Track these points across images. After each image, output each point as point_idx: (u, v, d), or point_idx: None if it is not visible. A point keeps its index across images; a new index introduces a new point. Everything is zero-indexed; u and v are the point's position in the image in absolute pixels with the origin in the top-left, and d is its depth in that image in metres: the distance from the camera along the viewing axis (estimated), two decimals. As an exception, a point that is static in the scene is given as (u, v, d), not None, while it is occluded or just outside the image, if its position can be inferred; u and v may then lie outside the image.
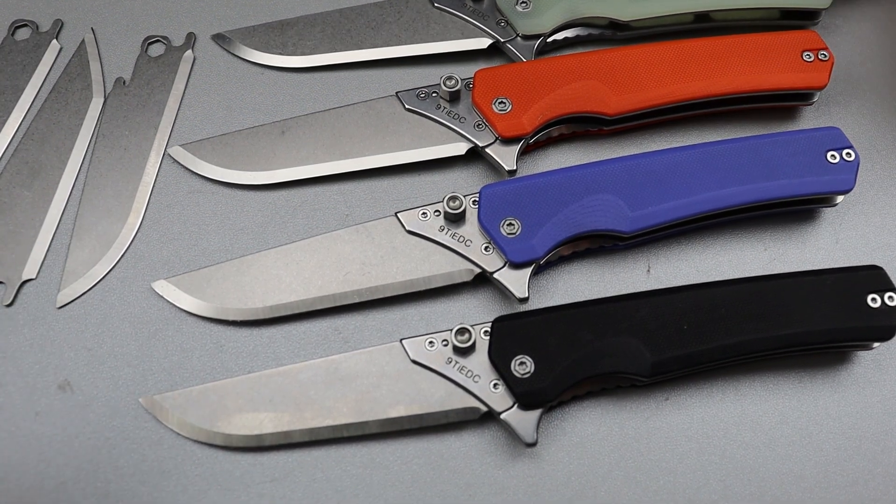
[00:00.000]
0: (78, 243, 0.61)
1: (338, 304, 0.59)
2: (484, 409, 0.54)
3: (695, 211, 0.59)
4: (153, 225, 0.62)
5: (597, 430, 0.56)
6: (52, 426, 0.56)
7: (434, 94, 0.64)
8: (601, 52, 0.65)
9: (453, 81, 0.63)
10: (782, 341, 0.55)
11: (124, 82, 0.67)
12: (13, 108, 0.66)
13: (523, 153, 0.63)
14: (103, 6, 0.71)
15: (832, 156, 0.60)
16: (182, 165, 0.64)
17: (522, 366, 0.54)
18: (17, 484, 0.54)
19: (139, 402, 0.56)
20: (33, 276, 0.60)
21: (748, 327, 0.55)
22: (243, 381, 0.56)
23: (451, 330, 0.55)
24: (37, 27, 0.70)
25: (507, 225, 0.58)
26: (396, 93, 0.65)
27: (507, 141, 0.62)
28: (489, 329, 0.55)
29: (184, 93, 0.67)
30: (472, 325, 0.55)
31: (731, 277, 0.58)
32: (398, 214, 0.60)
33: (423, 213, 0.60)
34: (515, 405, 0.54)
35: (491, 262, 0.58)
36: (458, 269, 0.59)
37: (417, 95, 0.65)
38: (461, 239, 0.59)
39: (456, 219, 0.59)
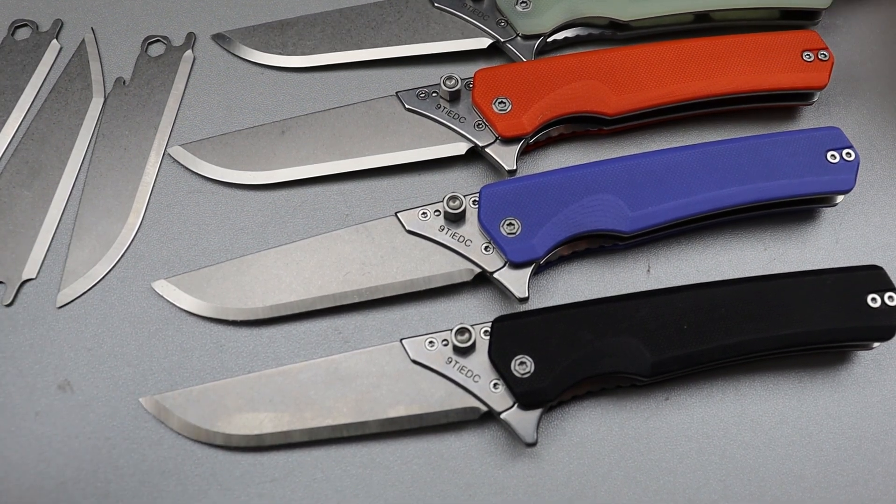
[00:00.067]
0: (78, 243, 0.61)
1: (338, 304, 0.59)
2: (484, 409, 0.54)
3: (695, 211, 0.59)
4: (153, 225, 0.62)
5: (597, 430, 0.56)
6: (52, 426, 0.56)
7: (434, 94, 0.64)
8: (601, 52, 0.65)
9: (453, 81, 0.63)
10: (782, 341, 0.55)
11: (124, 82, 0.67)
12: (13, 108, 0.66)
13: (523, 153, 0.63)
14: (103, 6, 0.71)
15: (832, 156, 0.60)
16: (182, 165, 0.64)
17: (522, 366, 0.54)
18: (17, 484, 0.54)
19: (139, 402, 0.56)
20: (33, 276, 0.60)
21: (748, 327, 0.55)
22: (243, 381, 0.56)
23: (451, 330, 0.55)
24: (37, 27, 0.70)
25: (507, 225, 0.58)
26: (396, 93, 0.65)
27: (507, 141, 0.62)
28: (489, 329, 0.55)
29: (184, 93, 0.67)
30: (472, 325, 0.55)
31: (731, 277, 0.58)
32: (398, 214, 0.60)
33: (423, 213, 0.60)
34: (515, 405, 0.54)
35: (491, 261, 0.58)
36: (458, 269, 0.59)
37: (417, 95, 0.65)
38: (461, 239, 0.59)
39: (456, 219, 0.59)
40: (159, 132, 0.65)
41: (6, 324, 0.59)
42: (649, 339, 0.54)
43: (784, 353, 0.57)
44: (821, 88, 0.64)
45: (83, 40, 0.69)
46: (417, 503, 0.55)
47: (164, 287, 0.60)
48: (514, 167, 0.62)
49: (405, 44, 0.68)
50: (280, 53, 0.68)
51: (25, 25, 0.70)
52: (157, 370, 0.58)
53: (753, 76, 0.63)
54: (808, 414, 0.57)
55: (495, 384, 0.54)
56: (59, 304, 0.59)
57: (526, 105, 0.62)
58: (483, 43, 0.68)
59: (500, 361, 0.54)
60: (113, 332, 0.59)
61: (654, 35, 0.69)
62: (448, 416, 0.55)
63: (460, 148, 0.63)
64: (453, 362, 0.55)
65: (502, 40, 0.67)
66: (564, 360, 0.54)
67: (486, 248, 0.58)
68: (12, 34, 0.69)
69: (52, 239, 0.62)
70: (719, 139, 0.63)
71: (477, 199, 0.59)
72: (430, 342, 0.55)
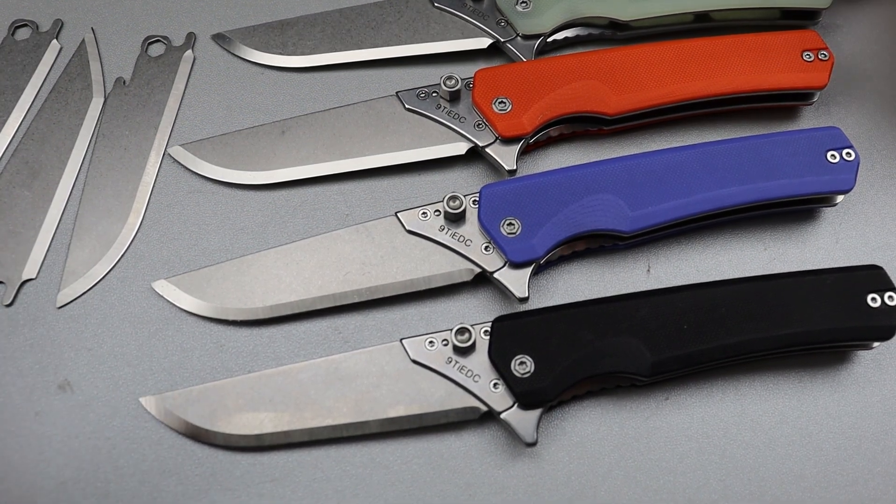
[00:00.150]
0: (78, 243, 0.61)
1: (338, 303, 0.59)
2: (484, 408, 0.54)
3: (695, 211, 0.59)
4: (153, 225, 0.62)
5: (597, 430, 0.56)
6: (52, 426, 0.56)
7: (434, 94, 0.64)
8: (601, 52, 0.65)
9: (453, 81, 0.63)
10: (782, 341, 0.55)
11: (124, 82, 0.67)
12: (13, 108, 0.66)
13: (523, 153, 0.63)
14: (103, 6, 0.71)
15: (832, 155, 0.60)
16: (182, 165, 0.64)
17: (522, 365, 0.54)
18: (17, 484, 0.54)
19: (139, 402, 0.56)
20: (33, 276, 0.60)
21: (748, 327, 0.55)
22: (243, 381, 0.56)
23: (451, 330, 0.55)
24: (37, 27, 0.70)
25: (508, 225, 0.58)
26: (396, 93, 0.65)
27: (508, 141, 0.62)
28: (489, 329, 0.55)
29: (184, 93, 0.67)
30: (472, 325, 0.55)
31: (731, 277, 0.58)
32: (398, 214, 0.60)
33: (424, 213, 0.60)
34: (515, 405, 0.54)
35: (491, 261, 0.58)
36: (458, 269, 0.59)
37: (417, 95, 0.65)
38: (461, 239, 0.59)
39: (456, 218, 0.59)
40: (159, 132, 0.65)
41: (6, 324, 0.59)
42: (649, 339, 0.54)
43: (784, 353, 0.57)
44: (821, 88, 0.64)
45: (83, 40, 0.69)
46: (417, 503, 0.55)
47: (164, 287, 0.60)
48: (514, 167, 0.62)
49: (405, 44, 0.68)
50: (280, 53, 0.68)
51: (25, 25, 0.70)
52: (157, 370, 0.58)
53: (753, 76, 0.63)
54: (808, 414, 0.57)
55: (495, 384, 0.54)
56: (59, 304, 0.59)
57: (526, 105, 0.62)
58: (483, 43, 0.68)
59: (500, 361, 0.54)
60: (113, 332, 0.59)
61: (654, 35, 0.69)
62: (448, 416, 0.55)
63: (460, 148, 0.63)
64: (453, 362, 0.55)
65: (502, 40, 0.67)
66: (564, 360, 0.54)
67: (486, 247, 0.58)
68: (12, 34, 0.69)
69: (52, 239, 0.62)
70: (719, 139, 0.63)
71: (477, 198, 0.59)
72: (430, 342, 0.55)
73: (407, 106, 0.64)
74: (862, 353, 0.59)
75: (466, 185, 0.64)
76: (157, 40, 0.69)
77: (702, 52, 0.64)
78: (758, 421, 0.57)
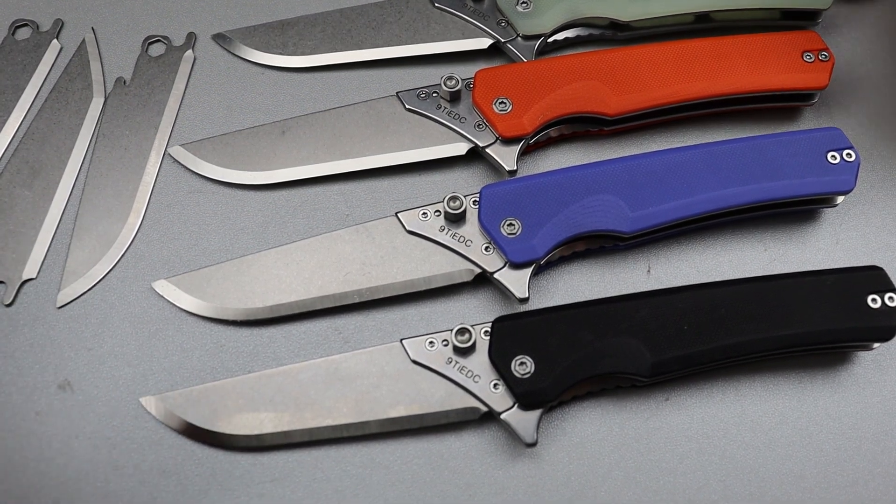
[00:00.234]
0: (78, 243, 0.61)
1: (338, 304, 0.59)
2: (484, 409, 0.54)
3: (695, 211, 0.59)
4: (153, 225, 0.62)
5: (597, 430, 0.56)
6: (52, 426, 0.56)
7: (434, 94, 0.64)
8: (602, 53, 0.65)
9: (454, 81, 0.63)
10: (782, 341, 0.55)
11: (124, 82, 0.67)
12: (13, 108, 0.66)
13: (523, 153, 0.63)
14: (103, 6, 0.71)
15: (832, 156, 0.60)
16: (182, 165, 0.64)
17: (522, 366, 0.54)
18: (17, 484, 0.54)
19: (139, 402, 0.56)
20: (33, 276, 0.60)
21: (748, 327, 0.55)
22: (243, 381, 0.56)
23: (452, 330, 0.55)
24: (37, 27, 0.70)
25: (508, 225, 0.58)
26: (397, 93, 0.65)
27: (508, 141, 0.62)
28: (489, 329, 0.55)
29: (184, 93, 0.67)
30: (472, 325, 0.55)
31: (731, 277, 0.58)
32: (398, 214, 0.60)
33: (424, 213, 0.59)
34: (515, 405, 0.54)
35: (491, 262, 0.58)
36: (458, 269, 0.59)
37: (418, 95, 0.64)
38: (461, 239, 0.59)
39: (456, 219, 0.59)
40: (159, 132, 0.65)
41: (6, 324, 0.59)
42: (649, 339, 0.54)
43: (784, 354, 0.57)
44: (821, 89, 0.64)
45: (83, 40, 0.69)
46: (417, 503, 0.55)
47: (164, 287, 0.60)
48: (515, 167, 0.62)
49: (405, 44, 0.68)
50: (280, 53, 0.68)
51: (26, 25, 0.70)
52: (157, 370, 0.58)
53: (754, 76, 0.63)
54: (808, 414, 0.57)
55: (495, 384, 0.54)
56: (59, 304, 0.59)
57: (526, 105, 0.62)
58: (483, 43, 0.68)
59: (500, 362, 0.54)
60: (113, 332, 0.59)
61: (655, 35, 0.69)
62: (448, 416, 0.55)
63: (460, 148, 0.63)
64: (453, 362, 0.55)
65: (503, 40, 0.67)
66: (564, 361, 0.54)
67: (486, 248, 0.58)
68: (12, 34, 0.69)
69: (52, 239, 0.62)
70: (720, 139, 0.63)
71: (477, 199, 0.59)
72: (431, 342, 0.55)
73: (407, 106, 0.64)
74: (862, 354, 0.59)
75: (466, 185, 0.64)
76: (158, 40, 0.69)
77: (702, 53, 0.64)
78: (758, 421, 0.57)
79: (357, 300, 0.59)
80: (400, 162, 0.63)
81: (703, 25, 0.69)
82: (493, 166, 0.63)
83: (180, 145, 0.65)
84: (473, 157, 0.64)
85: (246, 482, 0.55)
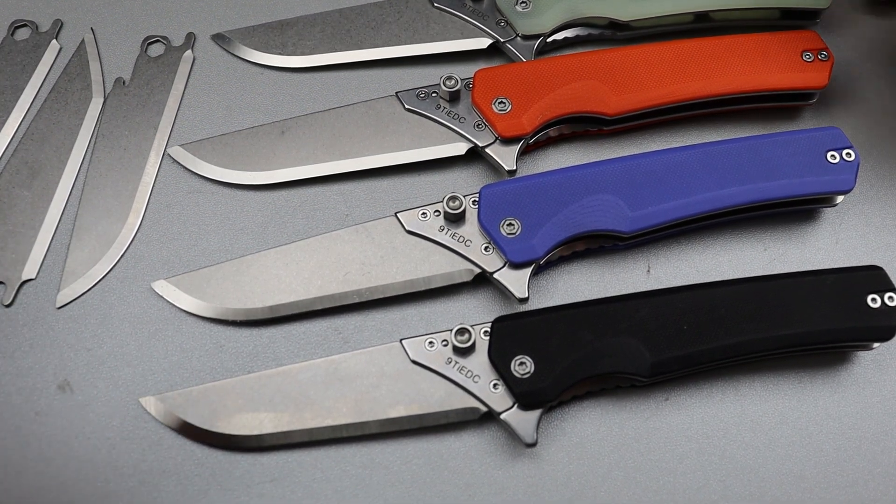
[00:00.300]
0: (78, 243, 0.61)
1: (338, 304, 0.59)
2: (484, 409, 0.54)
3: (695, 211, 0.59)
4: (153, 225, 0.62)
5: (597, 430, 0.56)
6: (52, 426, 0.56)
7: (434, 94, 0.64)
8: (601, 52, 0.65)
9: (453, 81, 0.63)
10: (782, 341, 0.55)
11: (124, 82, 0.67)
12: (13, 108, 0.66)
13: (523, 153, 0.63)
14: (103, 6, 0.71)
15: (832, 156, 0.60)
16: (182, 165, 0.64)
17: (522, 366, 0.54)
18: (17, 484, 0.54)
19: (139, 402, 0.56)
20: (33, 276, 0.60)
21: (748, 327, 0.55)
22: (243, 381, 0.56)
23: (451, 330, 0.55)
24: (37, 27, 0.70)
25: (507, 225, 0.58)
26: (396, 93, 0.65)
27: (507, 141, 0.62)
28: (489, 329, 0.55)
29: (184, 93, 0.67)
30: (472, 326, 0.55)
31: (731, 277, 0.58)
32: (398, 214, 0.60)
33: (423, 213, 0.59)
34: (515, 405, 0.54)
35: (491, 262, 0.58)
36: (458, 269, 0.59)
37: (417, 95, 0.64)
38: (461, 239, 0.59)
39: (456, 219, 0.59)
40: (159, 132, 0.65)
41: (6, 324, 0.59)
42: (649, 339, 0.54)
43: (784, 354, 0.57)
44: (821, 88, 0.64)
45: (83, 40, 0.69)
46: (417, 503, 0.55)
47: (164, 287, 0.60)
48: (514, 167, 0.62)
49: (405, 44, 0.68)
50: (280, 53, 0.68)
51: (25, 25, 0.70)
52: (157, 370, 0.58)
53: (753, 76, 0.63)
54: (808, 414, 0.57)
55: (495, 384, 0.54)
56: (58, 305, 0.59)
57: (526, 105, 0.62)
58: (483, 43, 0.68)
59: (499, 362, 0.54)
60: (113, 332, 0.59)
61: (654, 35, 0.69)
62: (448, 416, 0.55)
63: (460, 148, 0.63)
64: (453, 362, 0.55)
65: (502, 40, 0.67)
66: (564, 361, 0.54)
67: (485, 248, 0.58)
68: (12, 34, 0.69)
69: (52, 239, 0.62)
70: (719, 139, 0.63)
71: (477, 199, 0.59)
72: (430, 342, 0.55)
73: (407, 106, 0.64)
74: (862, 354, 0.59)
75: (466, 185, 0.64)
76: (157, 40, 0.69)
77: (702, 53, 0.64)
78: (758, 421, 0.57)
79: (357, 300, 0.59)
80: (399, 162, 0.63)
81: (702, 25, 0.70)
82: (493, 166, 0.63)
83: (180, 145, 0.65)
84: (473, 157, 0.64)
85: (246, 482, 0.55)
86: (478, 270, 0.58)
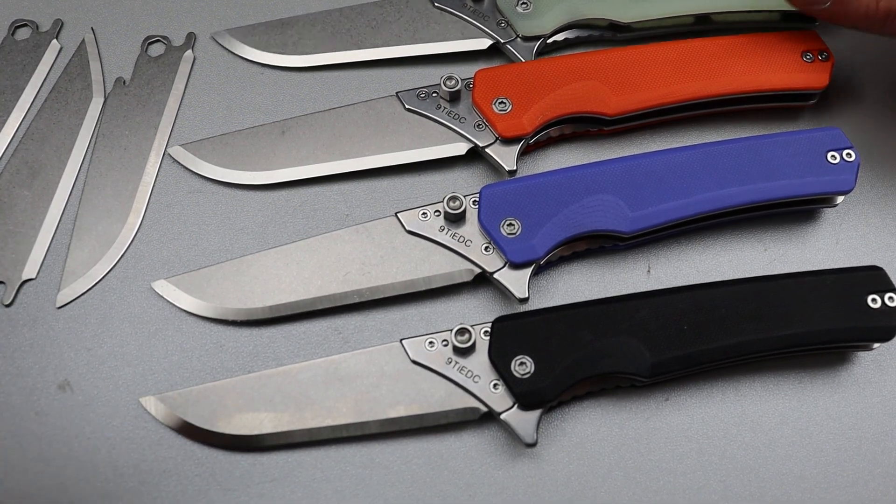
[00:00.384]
0: (78, 243, 0.61)
1: (338, 304, 0.59)
2: (484, 409, 0.54)
3: (695, 211, 0.59)
4: (153, 225, 0.62)
5: (597, 430, 0.56)
6: (52, 426, 0.56)
7: (434, 94, 0.64)
8: (601, 53, 0.65)
9: (453, 81, 0.63)
10: (782, 341, 0.55)
11: (124, 82, 0.67)
12: (13, 108, 0.66)
13: (523, 153, 0.63)
14: (103, 6, 0.71)
15: (832, 156, 0.60)
16: (182, 165, 0.64)
17: (522, 366, 0.54)
18: (17, 484, 0.54)
19: (139, 402, 0.56)
20: (33, 276, 0.60)
21: (748, 327, 0.55)
22: (243, 381, 0.56)
23: (451, 330, 0.55)
24: (37, 27, 0.70)
25: (508, 225, 0.58)
26: (396, 93, 0.65)
27: (508, 141, 0.62)
28: (489, 329, 0.55)
29: (184, 93, 0.67)
30: (472, 326, 0.55)
31: (731, 278, 0.58)
32: (398, 214, 0.60)
33: (423, 214, 0.59)
34: (515, 405, 0.54)
35: (491, 262, 0.58)
36: (458, 269, 0.59)
37: (417, 95, 0.64)
38: (461, 239, 0.59)
39: (456, 219, 0.59)
40: (159, 132, 0.65)
41: (6, 324, 0.59)
42: (649, 339, 0.54)
43: (784, 354, 0.57)
44: (821, 89, 0.64)
45: (83, 40, 0.69)
46: (417, 503, 0.55)
47: (164, 287, 0.60)
48: (515, 167, 0.62)
49: (405, 44, 0.68)
50: (280, 53, 0.68)
51: (25, 25, 0.70)
52: (157, 370, 0.58)
53: (753, 76, 0.63)
54: (808, 414, 0.57)
55: (495, 384, 0.54)
56: (58, 304, 0.59)
57: (526, 105, 0.62)
58: (483, 44, 0.68)
59: (500, 362, 0.54)
60: (113, 332, 0.59)
61: (655, 37, 0.69)
62: (448, 416, 0.55)
63: (460, 148, 0.63)
64: (453, 363, 0.55)
65: (502, 41, 0.67)
66: (564, 361, 0.54)
67: (486, 248, 0.58)
68: (12, 34, 0.69)
69: (52, 239, 0.62)
70: (719, 139, 0.63)
71: (477, 199, 0.59)
72: (430, 342, 0.55)
73: (407, 106, 0.64)
74: (862, 354, 0.59)
75: (466, 185, 0.64)
76: (157, 40, 0.69)
77: (702, 53, 0.64)
78: (758, 422, 0.57)
79: (357, 300, 0.59)
80: (400, 162, 0.63)
81: (702, 27, 0.69)
82: (493, 166, 0.63)
83: (180, 145, 0.65)
84: (473, 157, 0.64)
85: (246, 482, 0.55)
86: (478, 270, 0.58)
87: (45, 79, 0.68)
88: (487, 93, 0.63)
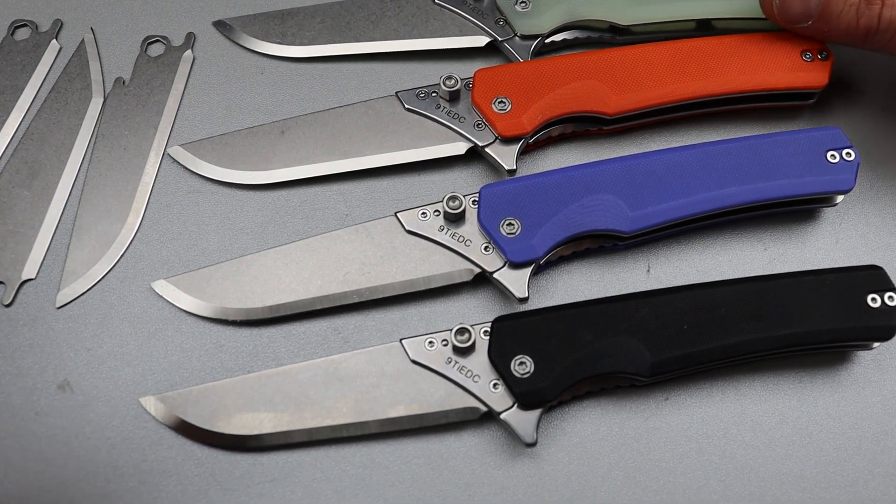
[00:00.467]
0: (78, 243, 0.61)
1: (338, 304, 0.59)
2: (484, 409, 0.54)
3: (694, 211, 0.59)
4: (153, 225, 0.62)
5: (597, 430, 0.56)
6: (52, 426, 0.56)
7: (434, 94, 0.64)
8: (601, 52, 0.65)
9: (453, 81, 0.63)
10: (782, 341, 0.55)
11: (124, 82, 0.67)
12: (13, 108, 0.66)
13: (523, 153, 0.63)
14: (103, 6, 0.71)
15: (832, 156, 0.60)
16: (182, 165, 0.64)
17: (522, 366, 0.54)
18: (17, 484, 0.54)
19: (139, 402, 0.56)
20: (33, 276, 0.60)
21: (748, 327, 0.55)
22: (243, 381, 0.56)
23: (451, 330, 0.55)
24: (36, 27, 0.70)
25: (507, 225, 0.58)
26: (396, 92, 0.65)
27: (507, 140, 0.62)
28: (489, 329, 0.55)
29: (183, 93, 0.67)
30: (471, 325, 0.55)
31: (731, 277, 0.58)
32: (398, 214, 0.60)
33: (423, 213, 0.59)
34: (515, 405, 0.54)
35: (491, 261, 0.58)
36: (457, 269, 0.59)
37: (417, 95, 0.64)
38: (461, 239, 0.59)
39: (456, 219, 0.59)
40: (159, 132, 0.65)
41: (6, 324, 0.59)
42: (649, 339, 0.54)
43: (784, 353, 0.57)
44: (820, 88, 0.64)
45: (83, 40, 0.69)
46: (417, 503, 0.55)
47: (164, 287, 0.60)
48: (514, 167, 0.62)
49: (403, 38, 0.68)
50: (280, 43, 0.68)
51: (25, 25, 0.70)
52: (157, 370, 0.58)
53: (753, 76, 0.63)
54: (808, 414, 0.57)
55: (495, 384, 0.54)
56: (58, 304, 0.59)
57: (526, 105, 0.62)
58: (481, 41, 0.68)
59: (499, 361, 0.54)
60: (113, 332, 0.59)
61: (654, 41, 0.68)
62: (448, 416, 0.55)
63: (460, 148, 0.63)
64: (453, 362, 0.55)
65: (500, 39, 0.67)
66: (564, 360, 0.54)
67: (485, 248, 0.58)
68: (12, 34, 0.69)
69: (52, 239, 0.62)
70: (719, 139, 0.63)
71: (477, 199, 0.59)
72: (430, 342, 0.55)
73: (406, 106, 0.64)
74: (862, 354, 0.59)
75: (466, 185, 0.64)
76: (157, 40, 0.69)
77: (701, 52, 0.64)
78: (758, 421, 0.57)
79: (357, 300, 0.59)
80: (399, 162, 0.63)
81: (702, 33, 0.69)
82: (493, 166, 0.63)
83: (179, 145, 0.65)
84: (473, 157, 0.64)
85: (246, 482, 0.55)
86: (478, 270, 0.58)
87: (44, 79, 0.68)
88: (487, 92, 0.63)
